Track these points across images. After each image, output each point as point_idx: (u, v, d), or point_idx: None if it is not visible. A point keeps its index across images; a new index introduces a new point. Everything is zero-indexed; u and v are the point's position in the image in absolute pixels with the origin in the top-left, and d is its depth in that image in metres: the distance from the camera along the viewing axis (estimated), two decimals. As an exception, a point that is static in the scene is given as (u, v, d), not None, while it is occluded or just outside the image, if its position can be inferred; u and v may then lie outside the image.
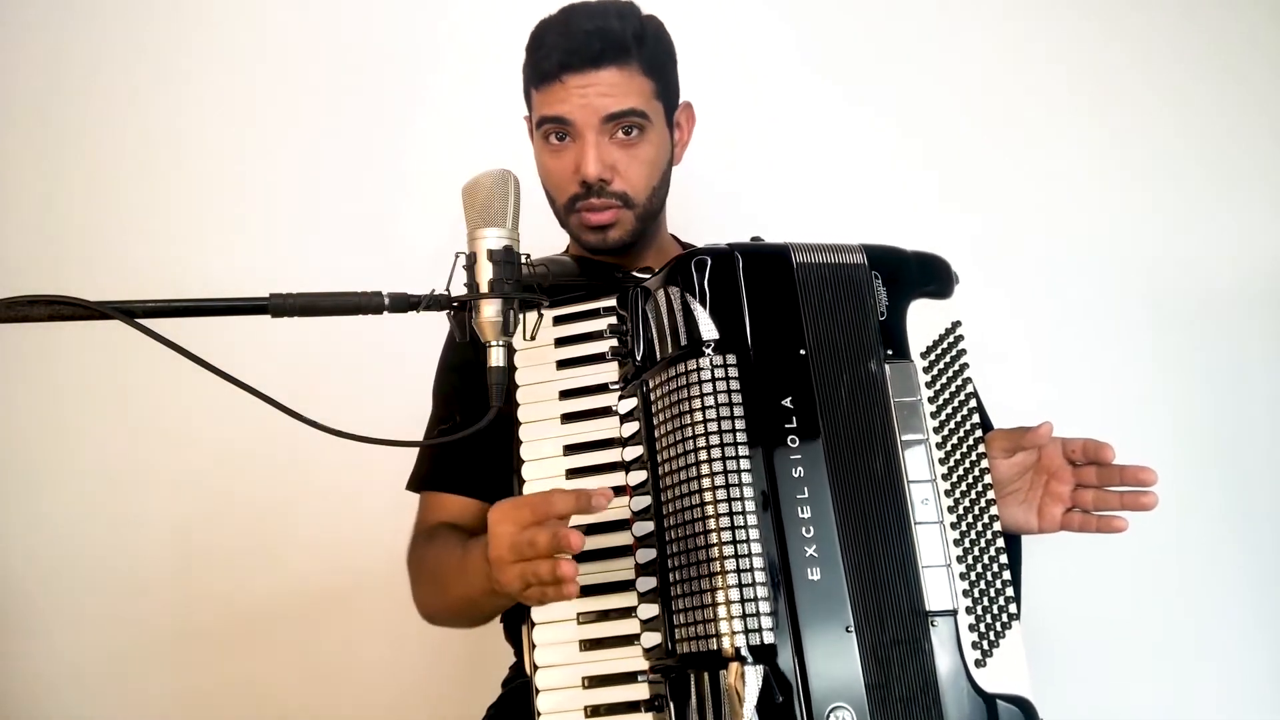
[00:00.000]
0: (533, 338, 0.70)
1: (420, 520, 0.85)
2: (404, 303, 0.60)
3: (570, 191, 0.79)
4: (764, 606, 0.61)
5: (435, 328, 0.86)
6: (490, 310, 0.61)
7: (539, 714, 0.68)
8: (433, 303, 0.61)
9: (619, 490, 0.70)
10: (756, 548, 0.62)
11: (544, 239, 0.82)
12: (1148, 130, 1.21)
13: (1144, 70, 1.21)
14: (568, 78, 0.76)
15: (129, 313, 0.58)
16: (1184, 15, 1.21)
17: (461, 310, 0.61)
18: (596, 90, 0.76)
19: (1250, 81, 1.21)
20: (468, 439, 0.61)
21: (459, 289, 0.62)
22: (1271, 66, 1.21)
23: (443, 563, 0.76)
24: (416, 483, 0.86)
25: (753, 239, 0.75)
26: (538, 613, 0.70)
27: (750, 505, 0.63)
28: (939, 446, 0.68)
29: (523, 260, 0.62)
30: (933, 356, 0.70)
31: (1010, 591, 0.67)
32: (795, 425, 0.65)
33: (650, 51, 0.79)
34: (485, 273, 0.61)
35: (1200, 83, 1.21)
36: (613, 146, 0.78)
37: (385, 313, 0.60)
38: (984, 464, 0.68)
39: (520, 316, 0.63)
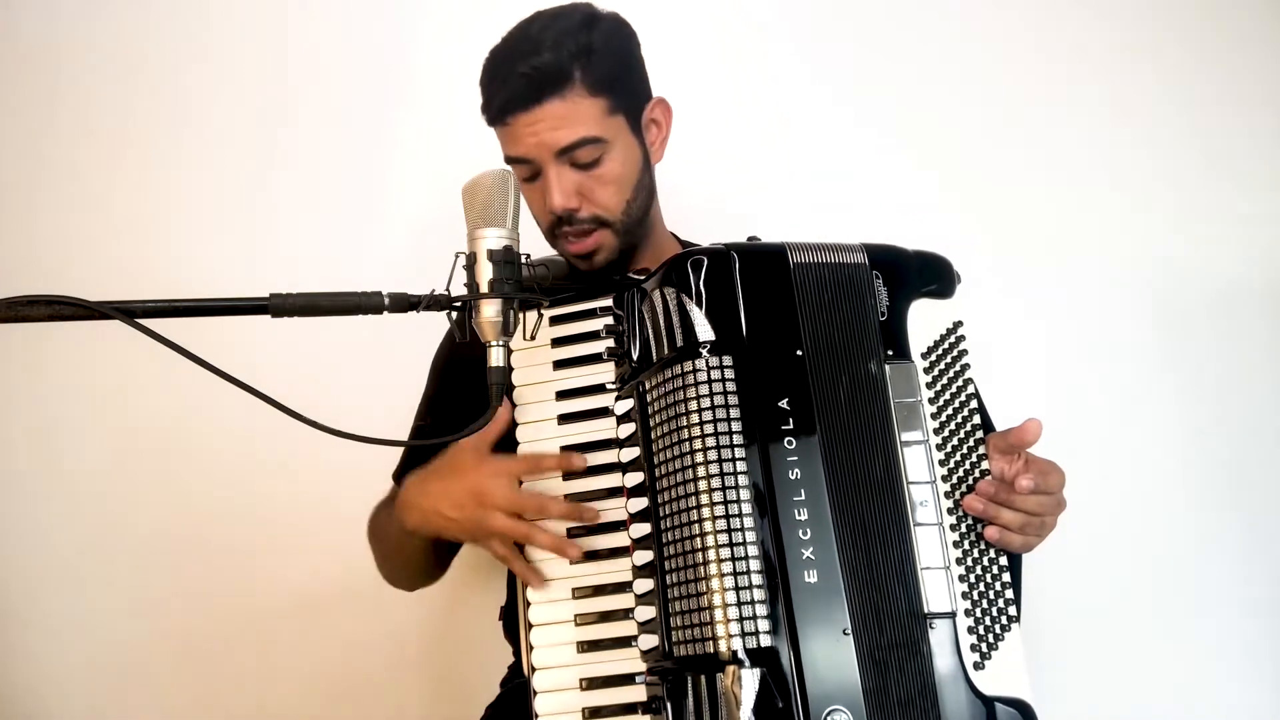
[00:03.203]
0: (533, 338, 0.70)
1: None
2: (404, 303, 0.60)
3: (547, 222, 0.80)
4: (761, 609, 0.61)
5: (435, 328, 0.86)
6: (490, 310, 0.61)
7: (537, 715, 0.68)
8: (433, 303, 0.61)
9: (616, 492, 0.70)
10: (753, 550, 0.62)
11: (543, 239, 0.83)
12: (1153, 128, 1.19)
13: (1148, 68, 1.20)
14: (513, 119, 0.76)
15: (129, 313, 0.58)
16: (1189, 13, 1.20)
17: (461, 310, 0.61)
18: (544, 125, 0.75)
19: (1257, 79, 1.19)
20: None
21: (459, 289, 0.62)
22: (1278, 63, 1.20)
23: (378, 520, 0.83)
24: (396, 477, 0.88)
25: (749, 239, 0.75)
26: (535, 614, 0.70)
27: (747, 507, 0.63)
28: (939, 448, 0.68)
29: (522, 260, 0.62)
30: (933, 357, 0.70)
31: (1009, 594, 0.66)
32: (792, 426, 0.65)
33: (597, 67, 0.76)
34: (485, 272, 0.61)
35: (1206, 81, 1.19)
36: (575, 174, 0.77)
37: (385, 313, 0.60)
38: (984, 465, 0.68)
39: (520, 316, 0.63)
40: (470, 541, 0.72)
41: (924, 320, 0.70)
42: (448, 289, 0.61)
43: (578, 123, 0.76)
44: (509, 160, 0.79)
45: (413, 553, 0.80)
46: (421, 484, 0.73)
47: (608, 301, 0.73)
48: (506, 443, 0.73)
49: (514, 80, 0.76)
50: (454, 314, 0.61)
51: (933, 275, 0.72)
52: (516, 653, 0.86)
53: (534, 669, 0.69)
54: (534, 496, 0.69)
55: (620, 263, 0.83)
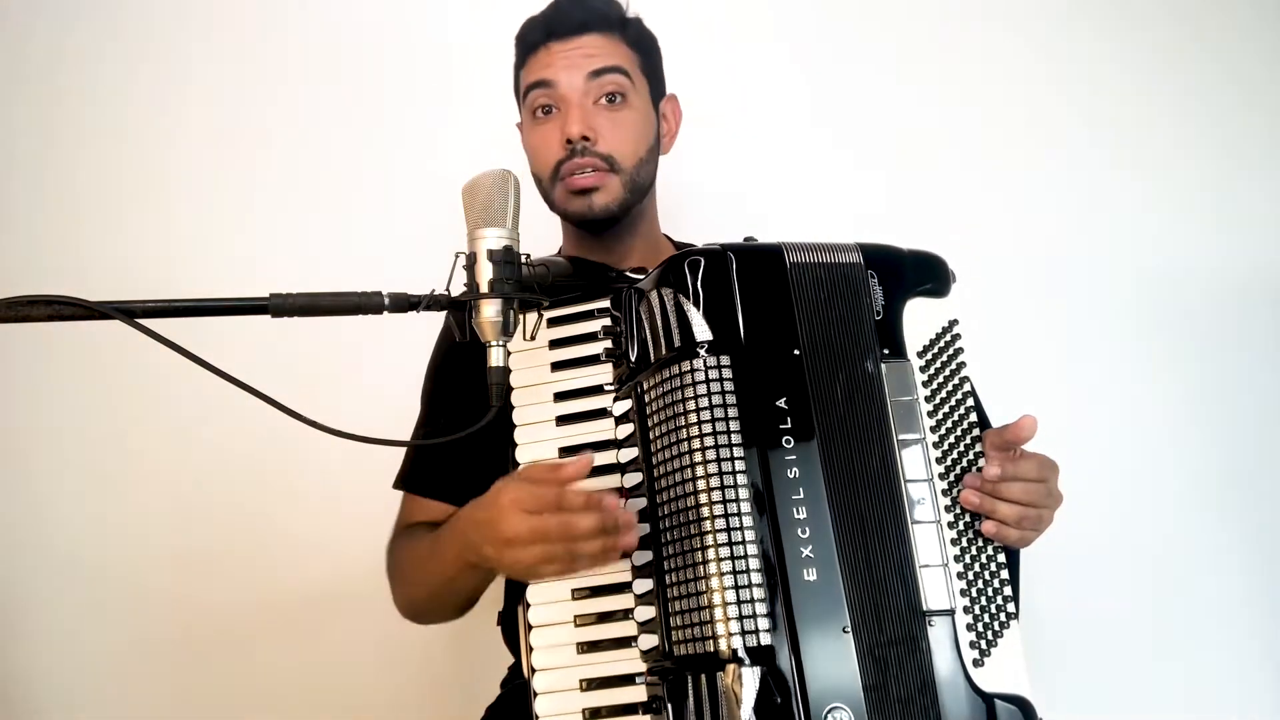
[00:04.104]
0: (533, 338, 0.71)
1: (399, 520, 0.86)
2: (404, 303, 0.60)
3: (556, 158, 0.80)
4: (760, 608, 0.61)
5: (435, 328, 0.86)
6: (490, 310, 0.61)
7: (537, 716, 0.67)
8: (433, 303, 0.61)
9: (615, 493, 0.69)
10: (753, 549, 0.62)
11: (543, 239, 0.83)
12: (1150, 128, 1.20)
13: (1147, 68, 1.20)
14: (552, 44, 0.80)
15: (129, 313, 0.58)
16: (1178, 14, 1.21)
17: (461, 310, 0.62)
18: (580, 52, 0.79)
19: (1248, 79, 1.20)
20: (461, 440, 0.62)
21: (459, 289, 0.62)
22: (1267, 64, 1.20)
23: (417, 551, 0.78)
24: (400, 481, 0.87)
25: (745, 239, 0.75)
26: (535, 615, 0.70)
27: (746, 506, 0.63)
28: (936, 445, 0.68)
29: (522, 260, 0.63)
30: (929, 355, 0.70)
31: (1008, 590, 0.66)
32: (790, 426, 0.65)
33: (634, 32, 0.82)
34: (485, 273, 0.61)
35: (1198, 81, 1.20)
36: (597, 111, 0.80)
37: (385, 313, 0.60)
38: (981, 463, 0.68)
39: (520, 316, 0.63)
40: (526, 579, 0.67)
41: (919, 319, 0.70)
42: (448, 289, 0.62)
43: (614, 55, 0.80)
44: (530, 88, 0.81)
45: (471, 588, 0.75)
46: (471, 517, 0.68)
47: (605, 303, 0.73)
48: (503, 443, 0.73)
49: (563, 8, 0.81)
50: (453, 314, 0.62)
51: (927, 274, 0.72)
52: (516, 655, 0.86)
53: (534, 670, 0.68)
54: (557, 523, 0.63)
55: (617, 250, 0.83)
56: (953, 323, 0.71)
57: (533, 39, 0.81)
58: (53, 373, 1.18)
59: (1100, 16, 1.22)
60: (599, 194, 0.80)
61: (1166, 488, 1.14)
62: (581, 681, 0.67)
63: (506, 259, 0.61)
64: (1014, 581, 0.68)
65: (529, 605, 0.70)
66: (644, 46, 0.83)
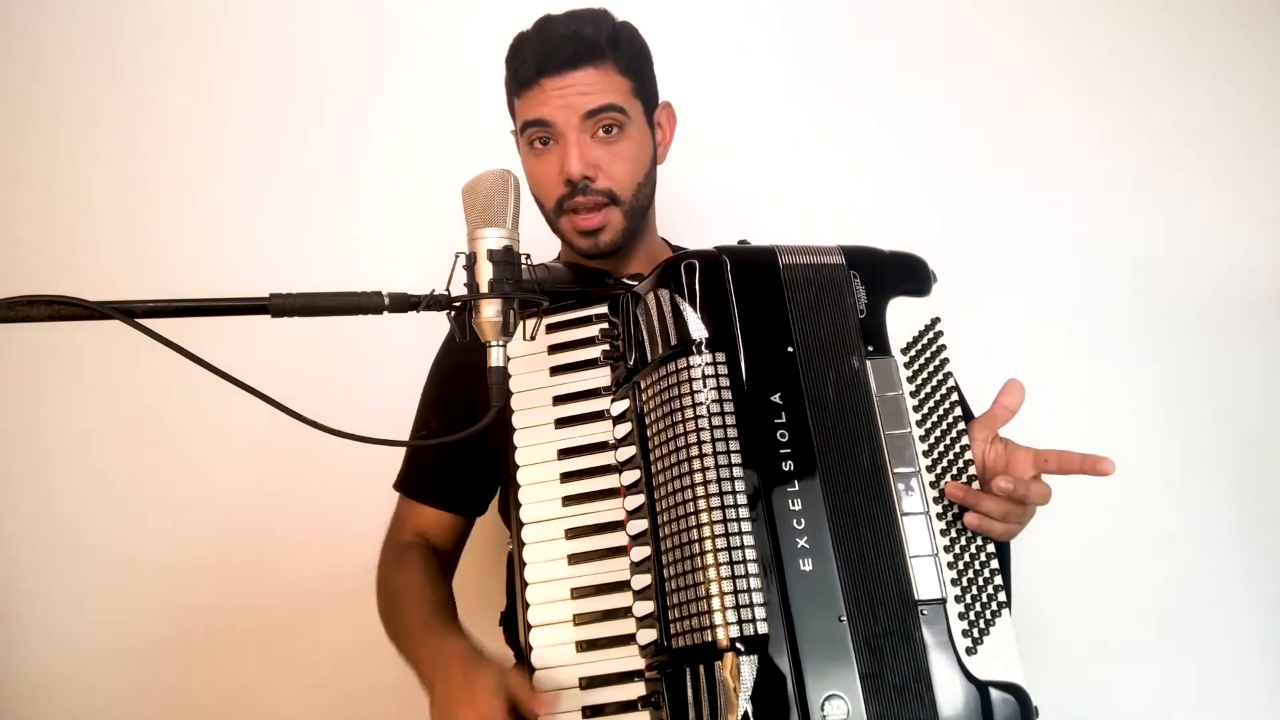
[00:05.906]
0: (533, 338, 0.72)
1: (395, 522, 0.89)
2: (404, 303, 0.61)
3: (557, 194, 0.81)
4: (757, 598, 0.62)
5: (435, 328, 0.87)
6: (490, 310, 0.62)
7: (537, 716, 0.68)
8: (433, 303, 0.62)
9: (613, 492, 0.71)
10: (749, 540, 0.63)
11: (542, 242, 0.85)
12: (1142, 126, 1.21)
13: (1138, 66, 1.22)
14: (545, 81, 0.79)
15: (129, 313, 0.58)
16: (1180, 12, 1.22)
17: (461, 310, 0.62)
18: (574, 90, 0.78)
19: (1246, 78, 1.20)
20: (459, 443, 0.62)
21: (459, 289, 0.63)
22: (1268, 63, 1.21)
23: (397, 615, 0.82)
24: (398, 483, 0.90)
25: (740, 242, 0.77)
26: (534, 615, 0.70)
27: (742, 499, 0.64)
28: (922, 439, 0.70)
29: (523, 261, 0.64)
30: (913, 352, 0.72)
31: (999, 580, 0.68)
32: (784, 420, 0.67)
33: (625, 53, 0.81)
34: (485, 273, 0.62)
35: (1196, 79, 1.21)
36: (594, 145, 0.80)
37: (385, 313, 0.61)
38: (968, 455, 0.70)
39: (520, 317, 0.63)
40: None
41: (903, 317, 0.72)
42: (448, 289, 0.62)
43: (608, 91, 0.79)
44: (527, 125, 0.80)
45: None
46: (444, 675, 0.69)
47: (603, 308, 0.74)
48: (502, 445, 0.74)
49: (553, 41, 0.79)
50: (454, 314, 0.62)
51: (909, 274, 0.74)
52: (518, 655, 0.86)
53: (533, 669, 0.69)
54: None
55: (617, 258, 0.85)
56: (935, 320, 0.73)
57: (524, 74, 0.79)
58: (53, 373, 1.17)
59: (1101, 13, 1.22)
60: (604, 232, 0.81)
61: (1162, 482, 1.13)
62: (581, 679, 0.68)
63: (506, 259, 0.62)
64: (1005, 572, 0.69)
65: (528, 605, 0.70)
66: (636, 66, 0.82)
